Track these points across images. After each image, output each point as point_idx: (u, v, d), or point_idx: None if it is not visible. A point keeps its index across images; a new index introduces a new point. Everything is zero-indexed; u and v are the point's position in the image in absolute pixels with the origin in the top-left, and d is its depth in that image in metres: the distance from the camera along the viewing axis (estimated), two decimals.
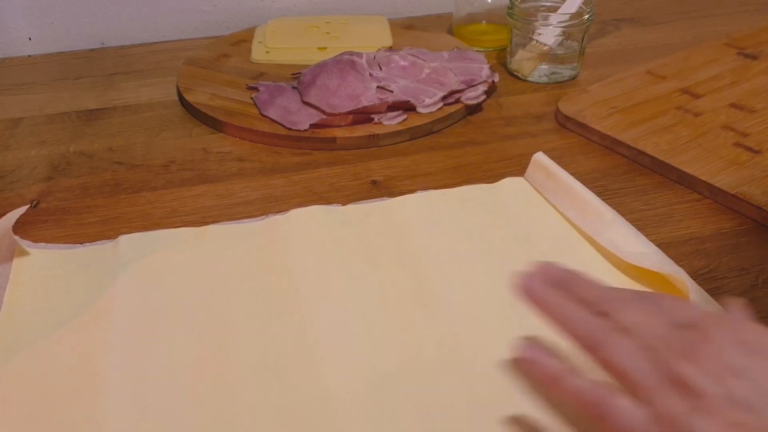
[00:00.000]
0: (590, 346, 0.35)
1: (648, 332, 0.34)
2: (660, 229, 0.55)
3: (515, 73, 0.78)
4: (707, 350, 0.32)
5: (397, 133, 0.67)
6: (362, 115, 0.67)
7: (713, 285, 0.49)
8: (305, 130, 0.66)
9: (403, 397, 0.41)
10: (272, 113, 0.68)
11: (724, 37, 0.83)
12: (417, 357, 0.44)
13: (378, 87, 0.69)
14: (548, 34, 0.75)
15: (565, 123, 0.69)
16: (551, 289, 0.38)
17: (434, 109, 0.69)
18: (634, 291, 0.38)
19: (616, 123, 0.66)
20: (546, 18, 0.75)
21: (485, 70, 0.73)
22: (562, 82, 0.77)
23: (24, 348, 0.44)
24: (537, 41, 0.76)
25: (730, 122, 0.66)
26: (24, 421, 0.40)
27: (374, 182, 0.61)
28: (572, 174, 0.56)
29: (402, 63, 0.73)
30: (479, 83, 0.72)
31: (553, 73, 0.77)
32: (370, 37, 0.83)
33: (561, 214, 0.55)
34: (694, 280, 0.48)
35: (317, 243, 0.52)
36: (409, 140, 0.67)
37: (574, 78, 0.78)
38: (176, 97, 0.74)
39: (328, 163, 0.64)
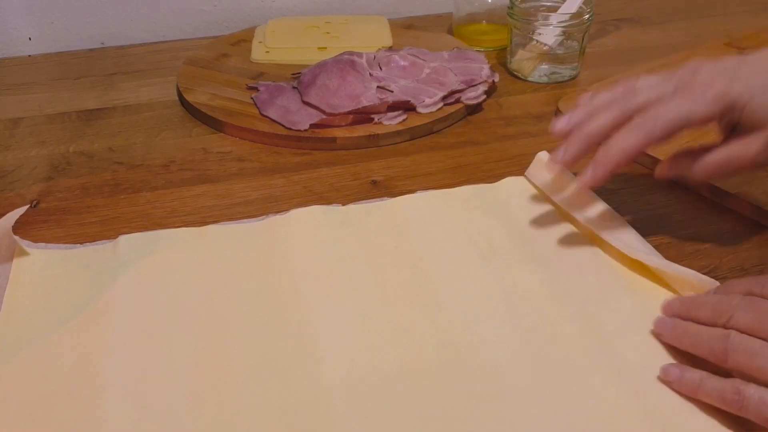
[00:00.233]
0: (720, 359, 0.40)
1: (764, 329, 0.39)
2: (660, 229, 0.55)
3: (515, 73, 0.78)
4: None
5: (397, 133, 0.67)
6: (362, 115, 0.67)
7: None
8: (305, 130, 0.66)
9: (403, 397, 0.41)
10: (272, 113, 0.68)
11: (725, 37, 0.83)
12: (417, 357, 0.44)
13: (378, 87, 0.69)
14: (548, 34, 0.75)
15: None
16: (674, 323, 0.44)
17: (434, 109, 0.69)
18: (740, 296, 0.42)
19: None
20: (546, 18, 0.75)
21: (485, 70, 0.73)
22: (562, 82, 0.77)
23: (24, 348, 0.44)
24: (537, 41, 0.76)
25: None
26: (24, 421, 0.40)
27: (374, 182, 0.61)
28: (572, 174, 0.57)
29: (402, 63, 0.73)
30: (479, 83, 0.72)
31: (553, 73, 0.77)
32: (370, 37, 0.83)
33: (561, 213, 0.55)
34: None
35: (317, 243, 0.52)
36: (409, 140, 0.67)
37: (574, 78, 0.78)
38: (176, 97, 0.74)
39: (328, 163, 0.64)
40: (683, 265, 0.48)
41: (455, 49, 0.78)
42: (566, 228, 0.54)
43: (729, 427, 0.39)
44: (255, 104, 0.70)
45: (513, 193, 0.58)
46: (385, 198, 0.58)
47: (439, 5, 0.96)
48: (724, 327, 0.41)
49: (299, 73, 0.73)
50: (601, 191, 0.57)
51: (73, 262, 0.51)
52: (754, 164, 0.47)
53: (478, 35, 0.85)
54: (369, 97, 0.67)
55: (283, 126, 0.67)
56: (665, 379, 0.41)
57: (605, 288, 0.48)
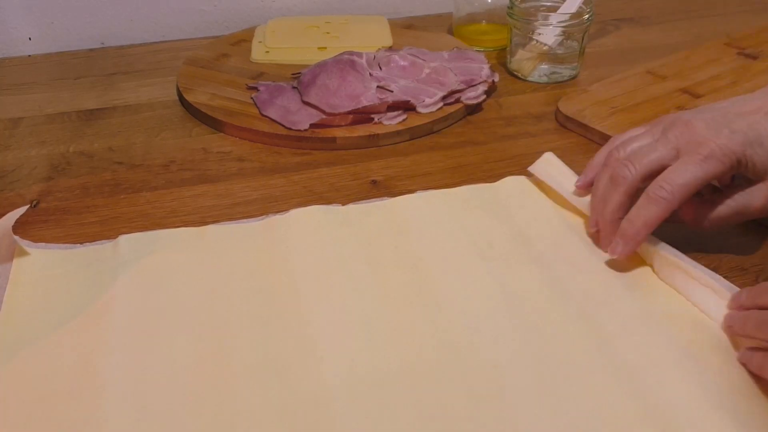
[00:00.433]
0: None
1: None
2: (660, 229, 0.55)
3: (515, 73, 0.78)
4: None
5: (397, 133, 0.67)
6: (362, 115, 0.67)
7: None
8: (305, 130, 0.66)
9: (403, 397, 0.41)
10: (272, 113, 0.68)
11: (725, 37, 0.83)
12: (417, 357, 0.44)
13: (378, 87, 0.69)
14: (548, 34, 0.75)
15: (565, 123, 0.69)
16: (741, 316, 0.44)
17: (434, 109, 0.69)
18: None
19: (617, 123, 0.66)
20: (546, 18, 0.75)
21: (485, 70, 0.73)
22: (562, 82, 0.77)
23: (24, 348, 0.44)
24: (537, 41, 0.76)
25: None
26: (24, 421, 0.40)
27: (374, 182, 0.61)
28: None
29: (402, 63, 0.73)
30: (479, 83, 0.72)
31: (553, 73, 0.77)
32: (370, 37, 0.83)
33: (561, 213, 0.55)
34: None
35: (317, 243, 0.52)
36: (409, 140, 0.67)
37: (574, 78, 0.78)
38: (176, 97, 0.74)
39: (328, 163, 0.64)
40: None
41: (455, 49, 0.78)
42: (566, 228, 0.54)
43: (729, 428, 0.39)
44: (255, 104, 0.70)
45: (513, 193, 0.58)
46: (385, 198, 0.58)
47: (439, 5, 0.96)
48: None
49: (299, 73, 0.73)
50: None
51: (73, 262, 0.51)
52: (762, 214, 0.50)
53: (478, 35, 0.85)
54: (369, 97, 0.67)
55: (283, 126, 0.67)
56: (741, 360, 0.42)
57: (605, 288, 0.48)
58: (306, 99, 0.69)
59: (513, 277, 0.49)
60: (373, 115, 0.67)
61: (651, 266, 0.50)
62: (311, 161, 0.64)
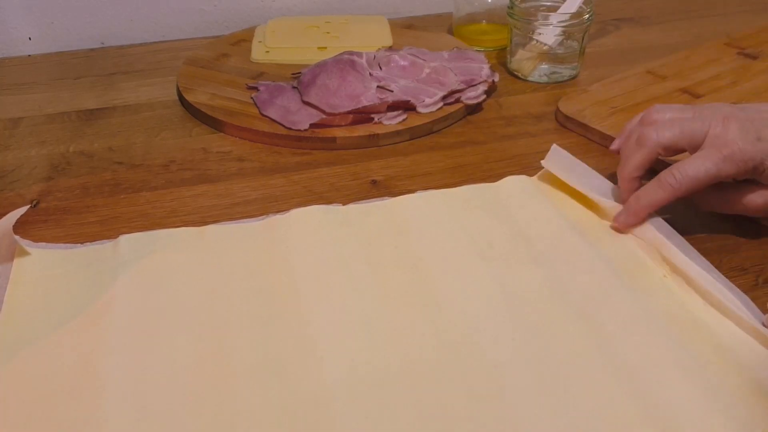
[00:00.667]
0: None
1: None
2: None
3: (515, 72, 0.78)
4: None
5: (397, 132, 0.67)
6: (362, 115, 0.67)
7: None
8: (305, 130, 0.66)
9: (403, 397, 0.41)
10: (272, 113, 0.68)
11: (725, 37, 0.83)
12: (417, 357, 0.44)
13: (378, 87, 0.69)
14: (548, 34, 0.75)
15: (565, 123, 0.69)
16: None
17: (434, 108, 0.69)
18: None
19: (617, 123, 0.66)
20: (546, 18, 0.75)
21: (485, 70, 0.73)
22: (562, 81, 0.77)
23: (24, 348, 0.44)
24: (537, 41, 0.76)
25: None
26: (24, 421, 0.40)
27: (374, 182, 0.61)
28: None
29: (402, 63, 0.73)
30: (479, 83, 0.72)
31: (553, 72, 0.77)
32: (370, 36, 0.83)
33: (561, 213, 0.55)
34: None
35: (317, 243, 0.52)
36: (409, 140, 0.67)
37: (574, 78, 0.78)
38: (176, 97, 0.74)
39: (328, 162, 0.64)
40: None
41: (455, 48, 0.78)
42: (566, 228, 0.54)
43: (729, 428, 0.39)
44: (255, 104, 0.70)
45: (513, 193, 0.58)
46: (385, 198, 0.58)
47: (439, 5, 0.96)
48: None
49: (299, 73, 0.73)
50: None
51: (73, 262, 0.51)
52: (762, 213, 0.53)
53: (478, 35, 0.85)
54: (369, 97, 0.67)
55: (283, 126, 0.67)
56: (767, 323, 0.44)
57: (605, 288, 0.48)
58: (306, 99, 0.69)
59: (513, 277, 0.49)
60: (373, 115, 0.67)
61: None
62: (311, 161, 0.64)
